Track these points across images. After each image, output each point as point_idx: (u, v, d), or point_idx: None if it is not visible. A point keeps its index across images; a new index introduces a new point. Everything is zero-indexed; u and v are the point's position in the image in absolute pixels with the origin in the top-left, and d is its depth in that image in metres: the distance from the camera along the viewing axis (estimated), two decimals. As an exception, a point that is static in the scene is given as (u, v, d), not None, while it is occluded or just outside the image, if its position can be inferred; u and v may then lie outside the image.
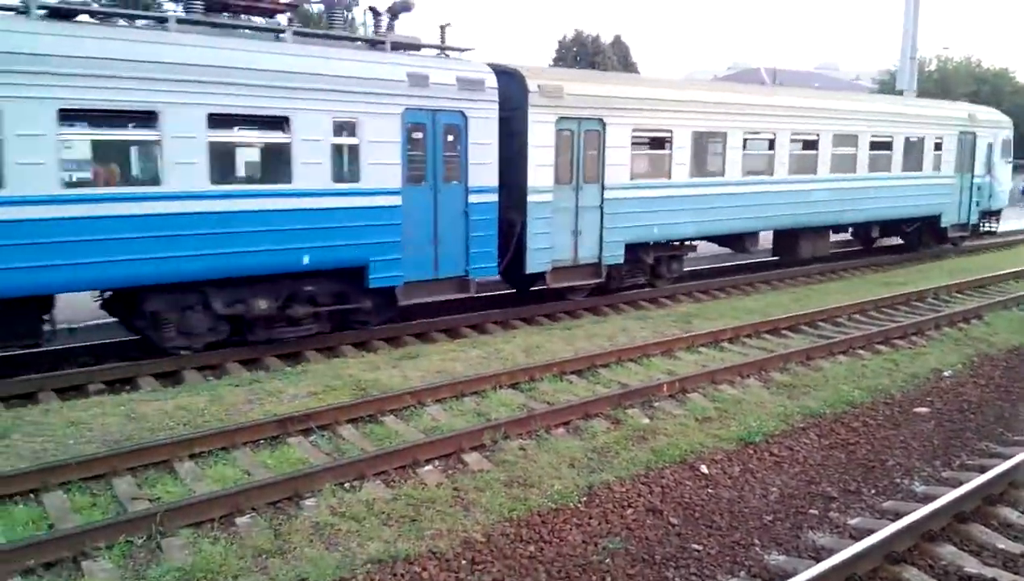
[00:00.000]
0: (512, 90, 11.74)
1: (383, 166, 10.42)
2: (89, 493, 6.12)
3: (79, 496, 6.06)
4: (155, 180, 8.94)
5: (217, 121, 9.08)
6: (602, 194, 12.83)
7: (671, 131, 13.74)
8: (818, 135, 16.47)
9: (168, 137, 8.73)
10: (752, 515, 6.34)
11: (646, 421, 7.92)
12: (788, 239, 17.50)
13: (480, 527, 5.75)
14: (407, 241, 10.71)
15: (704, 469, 6.99)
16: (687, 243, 15.03)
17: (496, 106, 11.42)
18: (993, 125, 21.55)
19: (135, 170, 10.07)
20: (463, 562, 5.34)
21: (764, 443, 7.67)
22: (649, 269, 14.33)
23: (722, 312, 13.11)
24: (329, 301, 10.67)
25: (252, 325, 10.05)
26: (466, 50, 12.11)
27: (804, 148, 16.47)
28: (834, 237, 19.83)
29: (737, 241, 16.09)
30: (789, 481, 7.03)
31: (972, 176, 20.75)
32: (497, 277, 12.42)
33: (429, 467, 6.70)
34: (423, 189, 10.91)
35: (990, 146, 21.23)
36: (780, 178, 15.74)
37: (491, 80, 11.41)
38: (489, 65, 11.79)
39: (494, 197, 11.61)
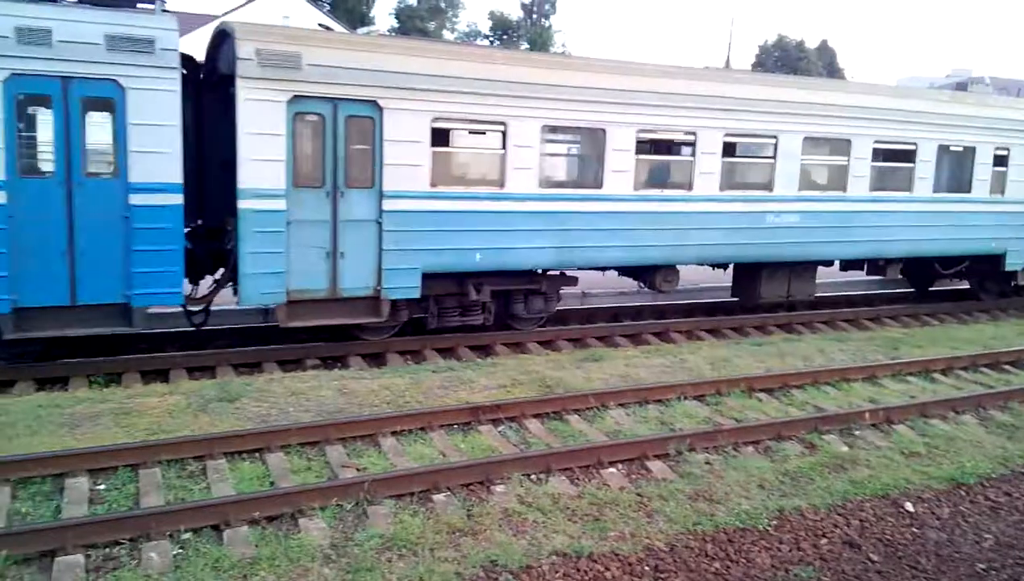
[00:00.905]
0: (230, 57, 8.87)
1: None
2: (305, 457, 6.76)
3: (297, 459, 6.71)
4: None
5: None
6: (380, 204, 9.48)
7: (505, 123, 10.07)
8: (775, 137, 12.03)
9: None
10: (963, 561, 5.82)
11: (845, 449, 7.48)
12: (748, 276, 13.15)
13: (663, 536, 5.72)
14: (19, 252, 8.04)
15: (909, 507, 6.50)
16: (562, 274, 11.48)
17: (178, 75, 8.49)
18: None
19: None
20: (646, 568, 5.34)
21: (979, 486, 7.00)
22: (485, 307, 10.82)
23: (934, 339, 12.06)
24: None
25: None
26: None
27: (749, 155, 13.04)
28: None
29: (648, 274, 12.01)
30: (1007, 529, 6.38)
31: None
32: (180, 306, 9.24)
33: (612, 470, 6.74)
34: (47, 184, 8.24)
35: None
36: (706, 194, 11.59)
37: (168, 39, 8.38)
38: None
39: (176, 198, 8.61)
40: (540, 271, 11.11)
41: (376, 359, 10.06)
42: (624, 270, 12.10)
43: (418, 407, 7.86)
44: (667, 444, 7.14)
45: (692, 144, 11.54)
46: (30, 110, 8.38)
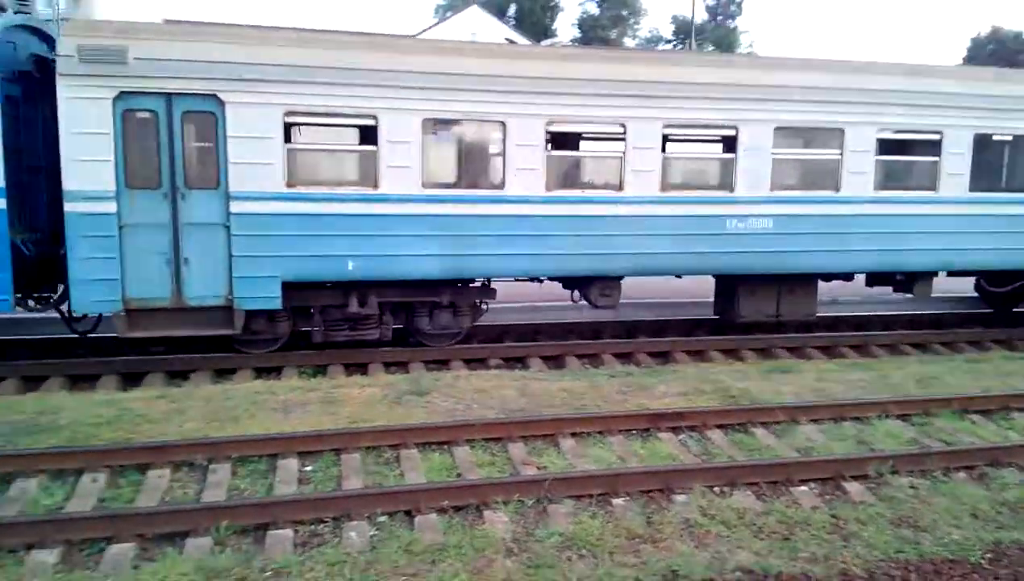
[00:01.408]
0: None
1: None
2: (489, 452, 6.99)
3: (481, 453, 6.95)
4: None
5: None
6: (227, 206, 8.83)
7: (376, 117, 9.18)
8: (734, 128, 10.34)
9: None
10: None
11: (1079, 482, 6.60)
12: (727, 291, 11.62)
13: (861, 561, 5.32)
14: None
15: None
16: (485, 285, 10.48)
17: None
18: None
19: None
20: (841, 594, 5.01)
21: None
22: (378, 320, 9.92)
23: None
24: None
25: None
26: None
27: (702, 150, 11.64)
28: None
29: (584, 287, 10.73)
30: None
31: None
32: (7, 310, 8.72)
33: (804, 488, 6.38)
34: None
35: None
36: (641, 196, 10.08)
37: None
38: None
39: None
40: (440, 282, 9.93)
41: (555, 361, 10.21)
42: (566, 282, 10.85)
43: (597, 411, 7.88)
44: (867, 465, 6.65)
45: (621, 137, 10.01)
46: None
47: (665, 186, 10.18)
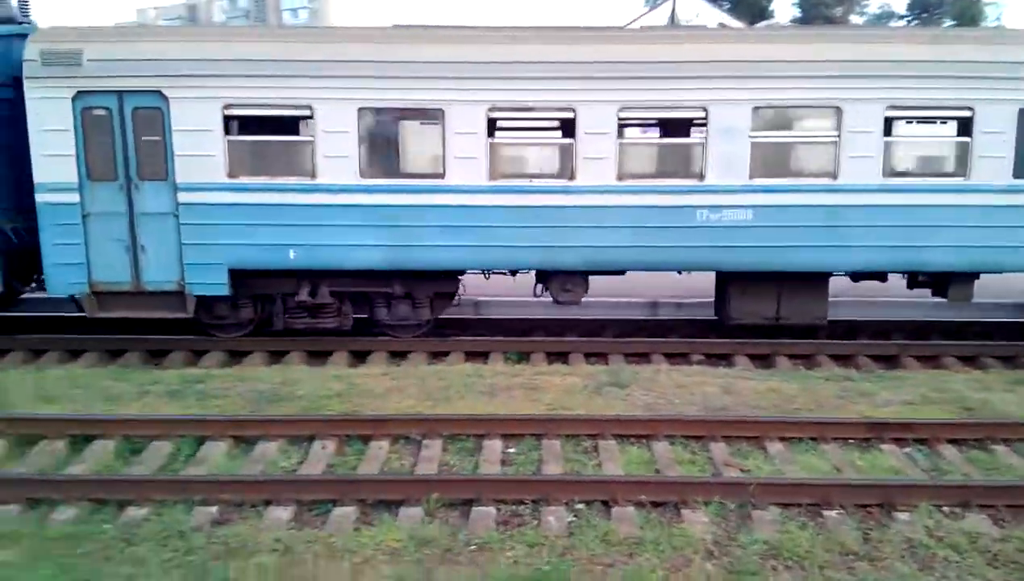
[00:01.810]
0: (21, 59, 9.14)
1: None
2: (689, 450, 6.84)
3: (681, 450, 6.82)
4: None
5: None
6: (175, 196, 9.22)
7: (311, 107, 9.14)
8: (703, 109, 9.20)
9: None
10: None
11: None
12: (720, 290, 10.45)
13: None
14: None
15: None
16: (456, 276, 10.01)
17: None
18: None
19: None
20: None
21: None
22: (336, 310, 9.94)
23: None
24: None
25: None
26: None
27: (664, 134, 10.55)
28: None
29: (548, 280, 10.08)
30: None
31: None
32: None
33: (1055, 517, 5.61)
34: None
35: None
36: (595, 185, 9.28)
37: None
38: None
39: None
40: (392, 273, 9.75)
41: (763, 360, 9.74)
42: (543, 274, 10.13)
43: (810, 415, 7.42)
44: None
45: (571, 122, 9.27)
46: None
47: (622, 175, 9.37)
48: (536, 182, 9.61)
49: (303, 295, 9.83)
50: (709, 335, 10.71)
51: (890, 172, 9.50)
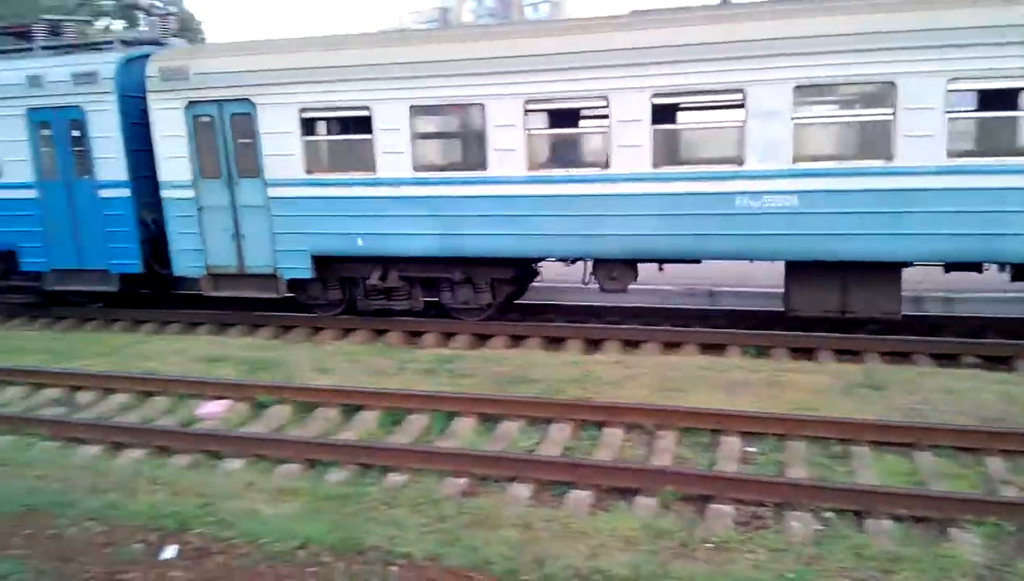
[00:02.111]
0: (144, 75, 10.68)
1: (11, 162, 11.39)
2: (958, 462, 6.15)
3: (947, 462, 6.15)
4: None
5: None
6: (266, 191, 10.37)
7: (369, 108, 9.81)
8: (741, 91, 8.57)
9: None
10: None
11: None
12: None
13: None
14: (47, 232, 11.36)
15: None
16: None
17: (113, 97, 10.81)
18: None
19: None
20: None
21: None
22: (408, 293, 10.74)
23: None
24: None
25: None
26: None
27: (701, 120, 10.31)
28: None
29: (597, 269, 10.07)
30: None
31: None
32: (138, 271, 11.24)
33: None
34: (57, 184, 11.27)
35: None
36: (630, 173, 9.05)
37: (107, 70, 10.85)
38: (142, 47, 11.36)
39: (125, 192, 10.96)
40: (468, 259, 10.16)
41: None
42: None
43: (1115, 433, 6.33)
44: None
45: (605, 112, 9.17)
46: (42, 133, 11.36)
47: (658, 163, 9.13)
48: (572, 172, 9.57)
49: (374, 279, 10.59)
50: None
51: (955, 152, 8.42)
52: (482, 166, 9.70)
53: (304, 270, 10.59)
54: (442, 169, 10.24)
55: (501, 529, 5.21)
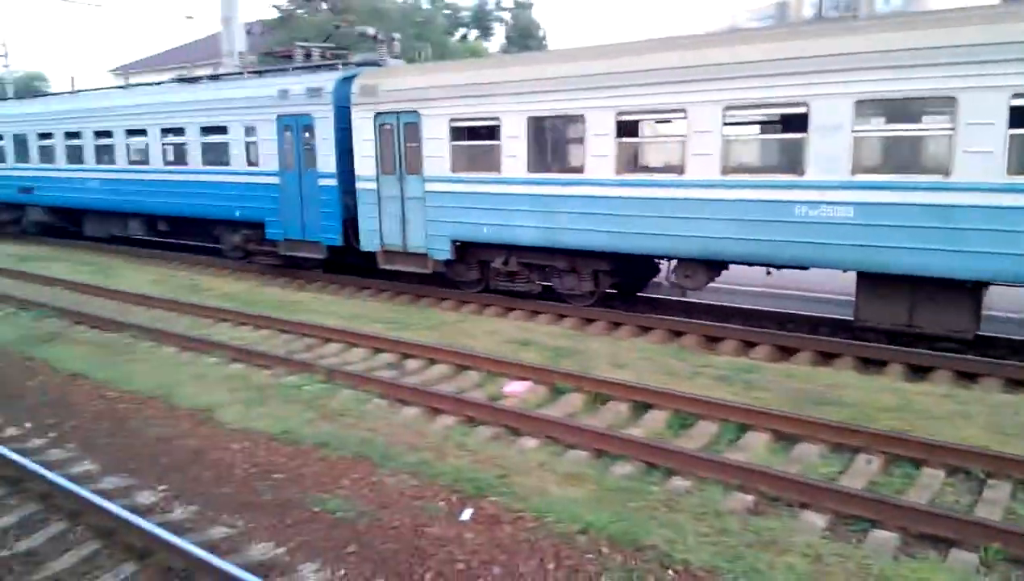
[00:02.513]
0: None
1: (266, 155, 14.82)
2: None
3: None
4: None
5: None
6: (424, 186, 12.57)
7: (499, 118, 11.57)
8: (804, 105, 9.20)
9: None
10: None
11: None
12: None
13: None
14: (284, 210, 14.68)
15: None
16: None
17: (331, 107, 13.58)
18: None
19: None
20: None
21: None
22: (528, 277, 12.48)
23: None
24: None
25: None
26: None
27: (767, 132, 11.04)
28: None
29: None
30: None
31: None
32: (338, 244, 13.99)
33: None
34: (294, 173, 14.42)
35: None
36: (702, 179, 10.00)
37: (329, 86, 13.69)
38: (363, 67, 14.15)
39: (334, 182, 13.81)
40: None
41: None
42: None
43: None
44: None
45: (682, 119, 10.06)
46: (287, 134, 14.42)
47: (726, 170, 9.82)
48: (654, 176, 10.96)
49: (498, 263, 12.42)
50: None
51: (1016, 169, 8.10)
52: (580, 169, 11.13)
53: (446, 252, 12.67)
54: (549, 170, 11.68)
55: (788, 555, 4.92)
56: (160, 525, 5.22)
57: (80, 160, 19.02)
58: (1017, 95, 7.90)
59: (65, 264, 17.21)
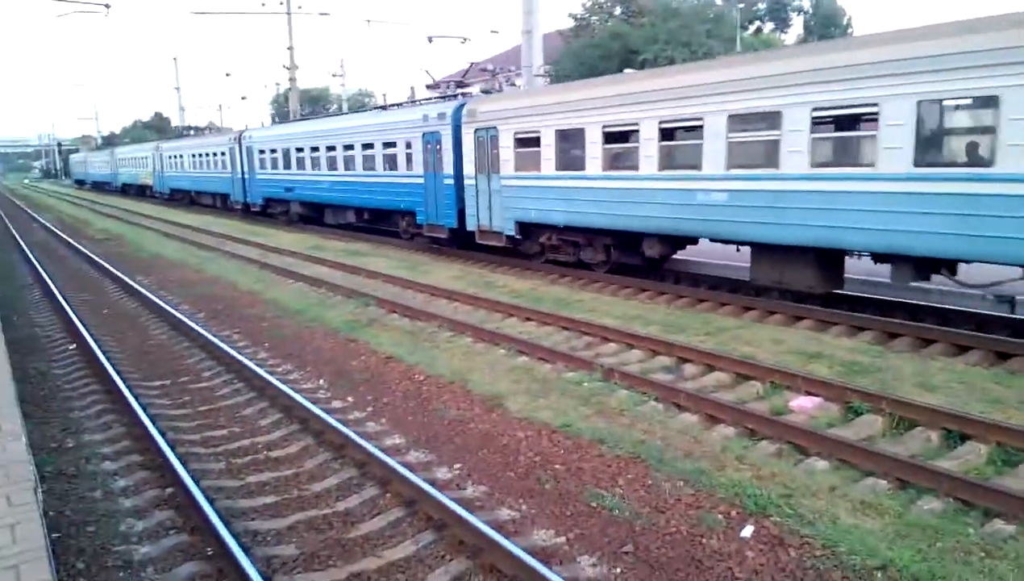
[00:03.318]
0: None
1: (416, 162, 19.95)
2: None
3: None
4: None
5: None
6: (500, 182, 16.79)
7: (539, 131, 15.64)
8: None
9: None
10: None
11: None
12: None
13: None
14: (427, 202, 19.63)
15: None
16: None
17: (450, 127, 18.37)
18: None
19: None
20: None
21: None
22: (550, 248, 16.78)
23: None
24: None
25: None
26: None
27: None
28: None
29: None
30: None
31: None
32: (454, 226, 18.80)
33: None
34: (430, 175, 19.34)
35: None
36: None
37: (448, 112, 18.53)
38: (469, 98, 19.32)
39: (451, 181, 18.50)
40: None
41: None
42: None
43: None
44: None
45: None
46: (428, 146, 19.55)
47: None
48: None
49: (544, 239, 16.61)
50: None
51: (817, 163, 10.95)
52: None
53: (512, 230, 16.85)
54: (566, 168, 15.22)
55: None
56: (455, 501, 5.71)
57: (318, 167, 25.64)
58: (816, 109, 10.57)
59: (383, 260, 19.51)
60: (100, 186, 67.05)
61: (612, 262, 15.39)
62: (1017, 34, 8.51)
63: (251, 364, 9.56)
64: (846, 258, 11.72)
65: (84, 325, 11.95)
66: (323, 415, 7.63)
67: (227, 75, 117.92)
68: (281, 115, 55.14)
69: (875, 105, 9.83)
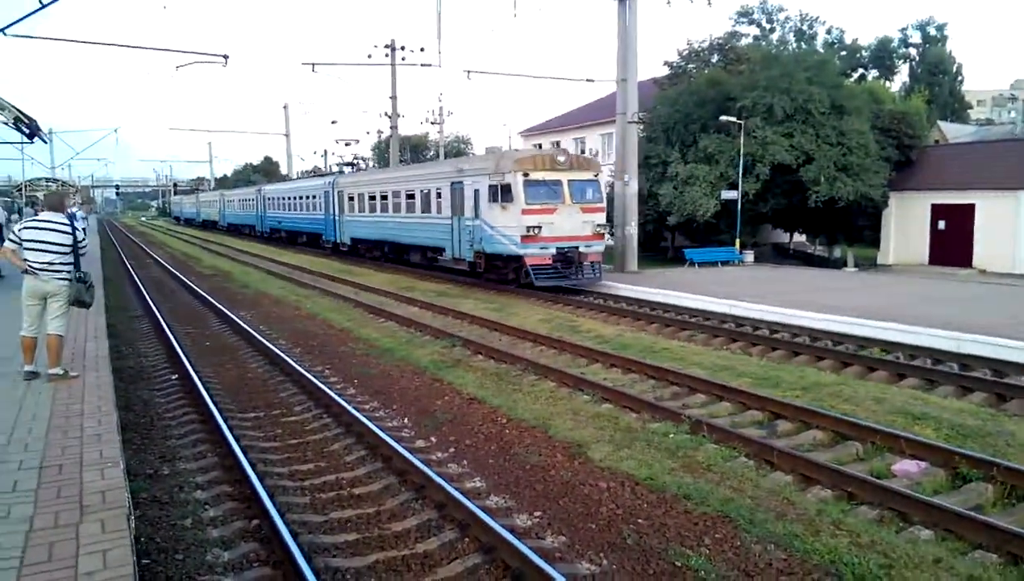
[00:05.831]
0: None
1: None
2: None
3: None
4: None
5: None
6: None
7: (365, 192, 30.31)
8: None
9: None
10: None
11: None
12: None
13: None
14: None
15: None
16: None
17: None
18: None
19: None
20: None
21: None
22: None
23: None
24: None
25: None
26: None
27: None
28: None
29: None
30: None
31: None
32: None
33: None
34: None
35: None
36: None
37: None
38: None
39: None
40: None
41: None
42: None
43: None
44: None
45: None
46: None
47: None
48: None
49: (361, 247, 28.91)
50: None
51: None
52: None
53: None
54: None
55: None
56: (533, 551, 5.60)
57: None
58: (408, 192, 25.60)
59: (471, 301, 19.76)
60: (190, 221, 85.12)
61: (387, 255, 29.86)
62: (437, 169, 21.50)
63: (340, 400, 9.76)
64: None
65: (187, 356, 12.52)
66: (406, 454, 7.68)
67: (333, 122, 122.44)
68: (382, 161, 57.75)
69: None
